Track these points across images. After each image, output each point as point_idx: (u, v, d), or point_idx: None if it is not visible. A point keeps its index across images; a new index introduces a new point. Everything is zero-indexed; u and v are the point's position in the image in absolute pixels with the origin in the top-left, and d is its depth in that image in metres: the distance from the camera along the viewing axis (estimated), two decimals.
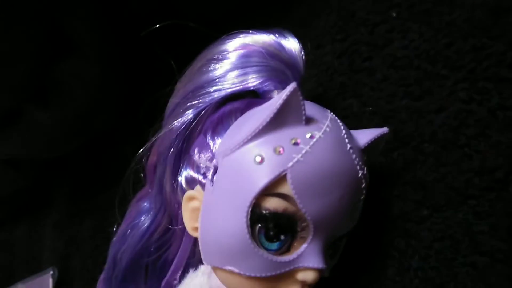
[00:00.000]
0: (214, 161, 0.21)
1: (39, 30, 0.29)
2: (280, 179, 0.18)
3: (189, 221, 0.22)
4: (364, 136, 0.21)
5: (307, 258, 0.19)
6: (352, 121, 0.27)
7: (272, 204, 0.19)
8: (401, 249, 0.22)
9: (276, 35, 0.23)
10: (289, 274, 0.19)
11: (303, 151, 0.18)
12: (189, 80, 0.23)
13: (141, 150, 0.25)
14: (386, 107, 0.25)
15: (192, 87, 0.23)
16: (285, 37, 0.23)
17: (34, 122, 0.32)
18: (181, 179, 0.23)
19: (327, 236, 0.19)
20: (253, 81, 0.22)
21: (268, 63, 0.22)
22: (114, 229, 0.29)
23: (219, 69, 0.22)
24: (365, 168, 0.20)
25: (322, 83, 0.29)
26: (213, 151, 0.21)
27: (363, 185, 0.20)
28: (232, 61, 0.22)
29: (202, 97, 0.22)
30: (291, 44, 0.23)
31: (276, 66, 0.22)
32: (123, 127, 0.39)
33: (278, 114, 0.19)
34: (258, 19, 0.35)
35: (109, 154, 0.41)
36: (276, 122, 0.19)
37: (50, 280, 0.37)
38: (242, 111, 0.22)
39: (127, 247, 0.26)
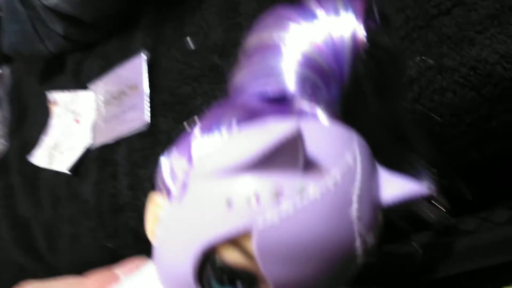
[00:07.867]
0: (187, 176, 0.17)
1: None
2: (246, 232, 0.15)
3: (151, 224, 0.19)
4: (394, 189, 0.17)
5: None
6: None
7: (231, 257, 0.15)
8: None
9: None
10: None
11: (283, 214, 0.14)
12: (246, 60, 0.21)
13: None
14: None
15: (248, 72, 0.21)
16: None
17: None
18: None
19: None
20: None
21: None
22: None
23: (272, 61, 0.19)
24: (369, 231, 0.16)
25: None
26: (193, 158, 0.18)
27: (358, 253, 0.16)
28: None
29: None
30: None
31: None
32: None
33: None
34: None
35: None
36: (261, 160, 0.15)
37: (143, 62, 0.46)
38: (246, 113, 0.18)
39: None
